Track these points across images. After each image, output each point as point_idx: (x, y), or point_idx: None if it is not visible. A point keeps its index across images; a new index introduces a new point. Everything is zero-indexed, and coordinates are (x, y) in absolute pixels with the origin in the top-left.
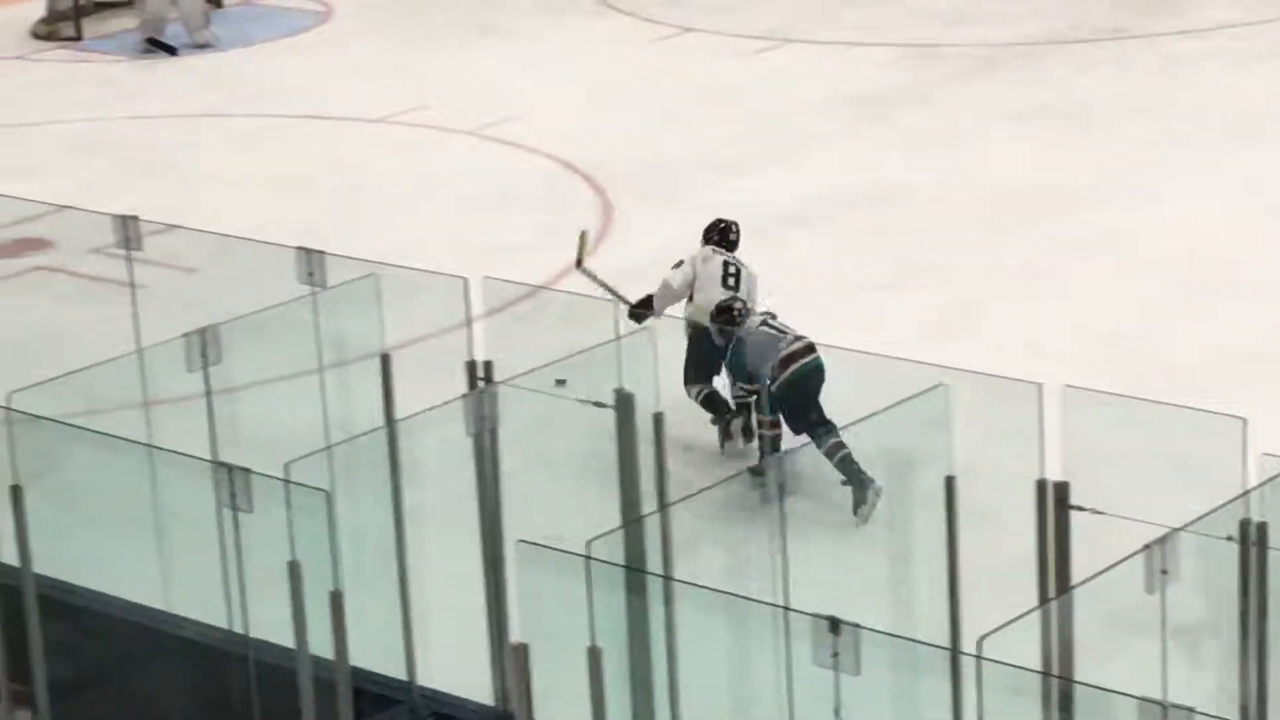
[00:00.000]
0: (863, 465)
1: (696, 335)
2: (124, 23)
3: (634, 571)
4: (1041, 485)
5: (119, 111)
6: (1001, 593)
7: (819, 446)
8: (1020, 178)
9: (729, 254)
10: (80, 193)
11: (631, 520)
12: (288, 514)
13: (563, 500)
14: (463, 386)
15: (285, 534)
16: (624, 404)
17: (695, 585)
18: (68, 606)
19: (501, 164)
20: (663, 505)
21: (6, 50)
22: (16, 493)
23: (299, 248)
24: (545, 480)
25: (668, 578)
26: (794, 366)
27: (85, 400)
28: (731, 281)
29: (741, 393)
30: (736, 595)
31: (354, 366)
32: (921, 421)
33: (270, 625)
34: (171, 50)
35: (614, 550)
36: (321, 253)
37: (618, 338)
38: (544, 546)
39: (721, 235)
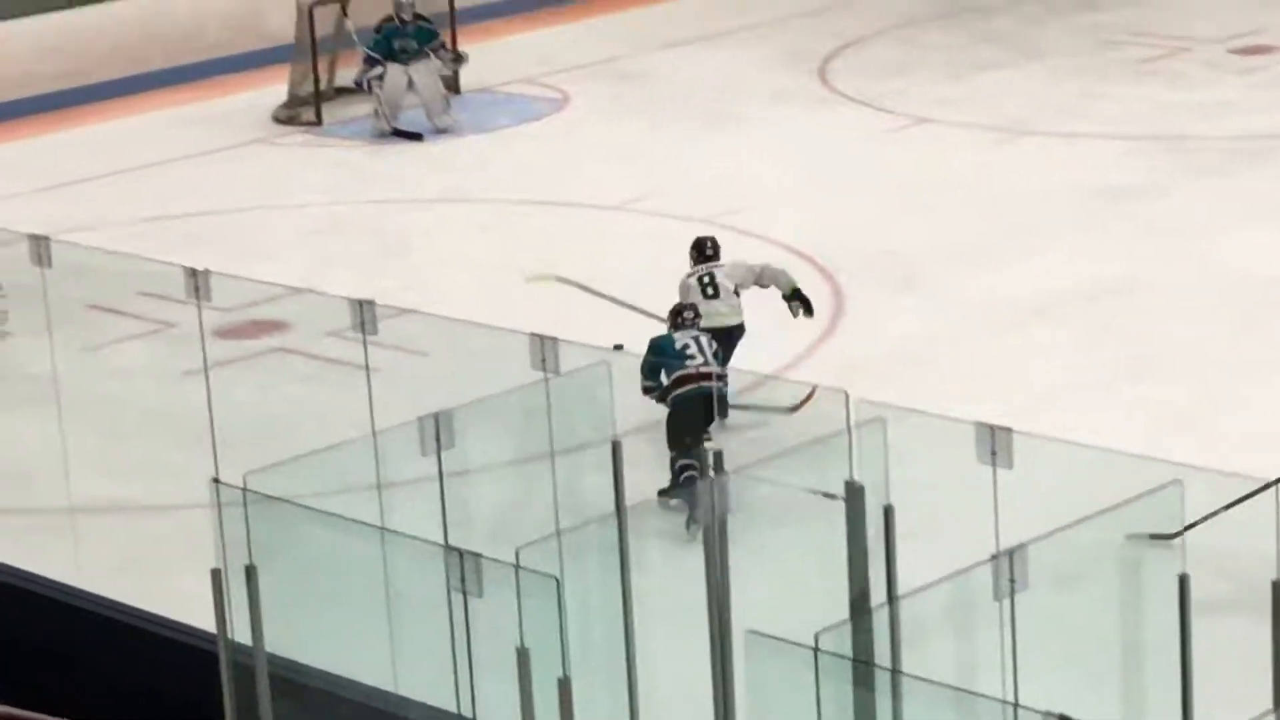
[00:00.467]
0: (1096, 562)
1: None
2: (364, 108)
3: (862, 665)
4: (1277, 586)
5: (357, 196)
6: (1235, 693)
7: (672, 464)
8: (1268, 272)
9: (704, 266)
10: (317, 276)
11: (860, 613)
12: (517, 599)
13: (791, 591)
14: None
15: (514, 619)
16: (854, 496)
17: (924, 680)
18: (299, 686)
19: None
20: (891, 598)
21: (247, 135)
22: (250, 573)
23: (532, 334)
24: (774, 570)
25: (896, 671)
26: (685, 388)
27: (319, 481)
28: (710, 291)
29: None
30: (965, 690)
31: (585, 452)
32: (1155, 518)
33: (498, 709)
34: (417, 137)
35: (842, 643)
36: (554, 339)
37: (849, 428)
38: (772, 638)
39: (700, 253)
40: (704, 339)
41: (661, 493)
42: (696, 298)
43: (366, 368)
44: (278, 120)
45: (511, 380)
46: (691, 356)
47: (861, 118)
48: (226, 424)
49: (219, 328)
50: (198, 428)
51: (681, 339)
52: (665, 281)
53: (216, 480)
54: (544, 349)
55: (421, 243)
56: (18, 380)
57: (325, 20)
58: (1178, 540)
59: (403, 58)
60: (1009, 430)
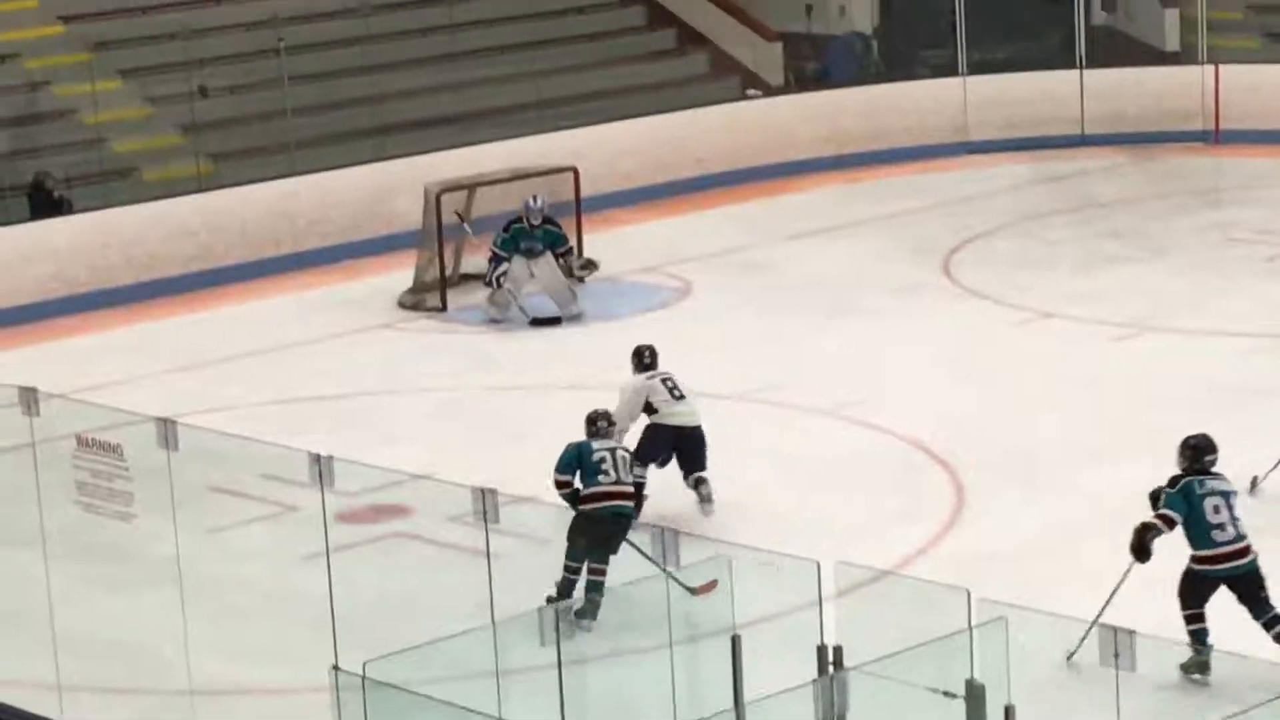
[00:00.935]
0: None
1: (649, 432)
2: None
3: None
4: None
5: (480, 382)
6: None
7: (565, 570)
8: None
9: (658, 371)
10: (439, 461)
11: None
12: None
13: None
14: (812, 670)
15: None
16: (975, 695)
17: None
18: None
19: (855, 444)
20: None
21: (373, 319)
22: None
23: (652, 525)
24: None
25: None
26: (593, 505)
27: (438, 668)
28: (677, 393)
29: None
30: None
31: (704, 644)
32: None
33: None
34: (555, 321)
35: None
36: (675, 531)
37: (970, 627)
38: None
39: (639, 360)
40: (619, 453)
41: (550, 599)
42: (664, 397)
43: (488, 555)
44: (403, 305)
45: (631, 571)
46: (605, 473)
47: (985, 311)
48: (347, 608)
49: (341, 512)
50: (318, 612)
51: (599, 450)
52: (785, 468)
53: (336, 667)
54: (664, 541)
55: (544, 430)
56: (141, 561)
57: (451, 207)
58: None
59: (526, 255)
60: (1132, 632)
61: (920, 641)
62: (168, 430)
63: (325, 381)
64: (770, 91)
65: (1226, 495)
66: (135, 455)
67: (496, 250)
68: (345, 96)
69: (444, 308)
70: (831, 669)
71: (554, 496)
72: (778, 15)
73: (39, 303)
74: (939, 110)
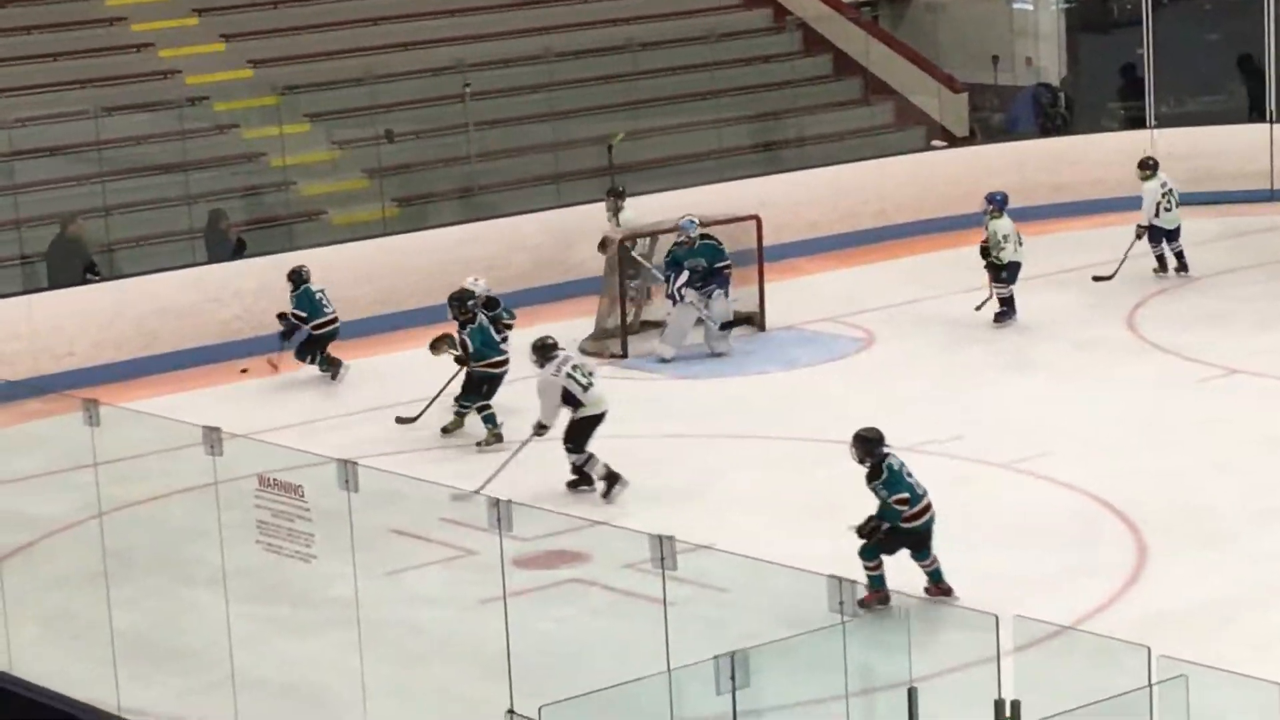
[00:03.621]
0: None
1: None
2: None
3: None
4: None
5: (657, 430)
6: None
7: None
8: None
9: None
10: (616, 508)
11: None
12: None
13: None
14: None
15: None
16: None
17: None
18: None
19: (1035, 499)
20: None
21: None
22: None
23: (830, 576)
24: None
25: None
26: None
27: (614, 716)
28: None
29: None
30: None
31: (880, 696)
32: None
33: None
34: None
35: None
36: (854, 582)
37: (1150, 684)
38: None
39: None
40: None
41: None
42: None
43: (664, 602)
44: (584, 352)
45: (809, 621)
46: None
47: (1168, 367)
48: (523, 654)
49: (518, 557)
50: (494, 657)
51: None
52: (965, 521)
53: (512, 712)
54: (842, 591)
55: (719, 478)
56: (320, 603)
57: (634, 254)
58: None
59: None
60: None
61: (1099, 698)
62: (349, 472)
63: (505, 427)
64: (955, 142)
65: None
66: (316, 496)
67: (665, 272)
68: (528, 143)
69: (625, 354)
70: None
71: (733, 544)
72: (964, 66)
73: (224, 344)
74: (1126, 163)
